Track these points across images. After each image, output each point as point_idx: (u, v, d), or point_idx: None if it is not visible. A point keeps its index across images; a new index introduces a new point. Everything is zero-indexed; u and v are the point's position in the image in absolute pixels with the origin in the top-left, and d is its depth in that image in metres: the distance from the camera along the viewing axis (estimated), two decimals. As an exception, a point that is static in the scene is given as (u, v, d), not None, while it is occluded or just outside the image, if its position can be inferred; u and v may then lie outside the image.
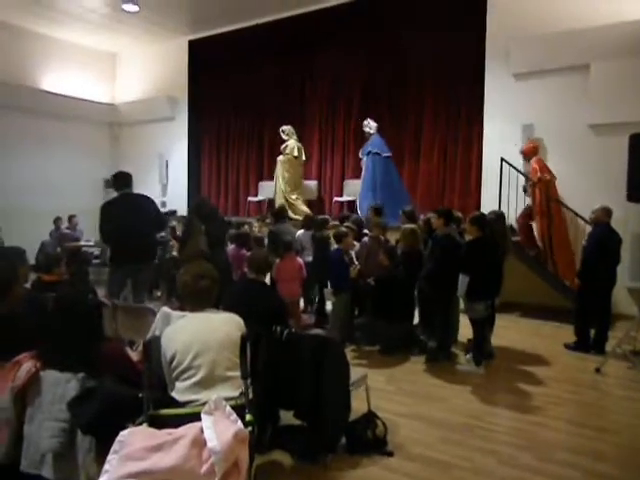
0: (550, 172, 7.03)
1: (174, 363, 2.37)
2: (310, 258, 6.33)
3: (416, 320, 5.55)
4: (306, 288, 6.17)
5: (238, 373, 2.38)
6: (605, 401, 4.31)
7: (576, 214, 6.91)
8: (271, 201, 10.10)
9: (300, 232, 6.80)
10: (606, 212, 5.40)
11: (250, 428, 2.19)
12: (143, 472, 1.92)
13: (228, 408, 2.14)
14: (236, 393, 2.32)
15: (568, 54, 7.32)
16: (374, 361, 5.06)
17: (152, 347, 2.49)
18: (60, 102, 11.52)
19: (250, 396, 2.36)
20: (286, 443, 3.22)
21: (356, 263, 5.68)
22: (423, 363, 4.98)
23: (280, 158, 9.86)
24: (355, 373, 3.42)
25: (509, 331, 6.12)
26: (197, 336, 2.41)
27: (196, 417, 2.10)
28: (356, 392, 3.36)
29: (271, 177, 10.27)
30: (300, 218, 8.38)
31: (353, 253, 5.83)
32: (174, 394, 2.35)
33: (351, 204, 9.31)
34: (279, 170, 9.81)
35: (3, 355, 2.55)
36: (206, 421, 2.06)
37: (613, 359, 4.92)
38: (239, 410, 2.20)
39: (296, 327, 4.63)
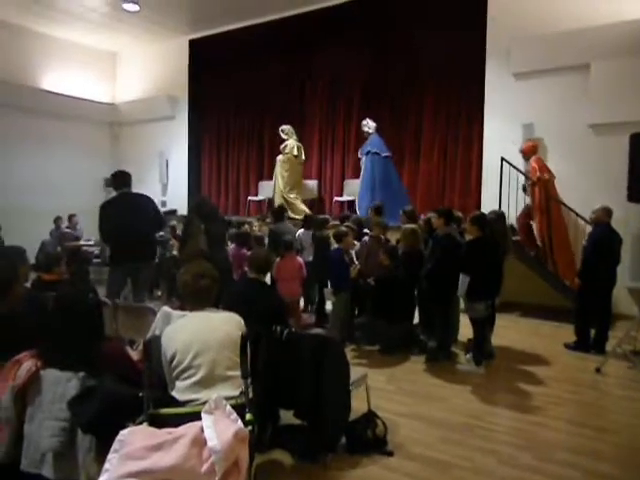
0: (549, 171, 7.02)
1: (174, 362, 2.38)
2: (310, 257, 6.34)
3: (416, 320, 5.55)
4: (306, 287, 6.17)
5: (238, 372, 2.38)
6: (605, 401, 4.31)
7: (576, 214, 6.91)
8: (271, 200, 10.11)
9: (300, 231, 6.81)
10: (606, 212, 5.40)
11: (250, 427, 2.20)
12: (143, 471, 1.93)
13: (228, 407, 2.15)
14: (236, 392, 2.33)
15: (568, 54, 7.32)
16: (374, 361, 5.06)
17: (152, 346, 2.49)
18: (60, 101, 11.52)
19: (250, 395, 2.36)
20: (286, 442, 3.22)
21: (356, 263, 5.69)
22: (423, 363, 4.98)
23: (279, 157, 9.85)
24: (355, 373, 3.42)
25: (509, 331, 6.11)
26: (197, 335, 2.42)
27: (196, 416, 2.10)
28: (356, 392, 3.36)
29: (271, 176, 10.26)
30: (299, 217, 8.39)
31: (353, 253, 5.84)
32: (174, 393, 2.35)
33: (351, 204, 9.31)
34: (278, 169, 9.81)
35: (3, 354, 2.55)
36: (206, 420, 2.06)
37: (613, 359, 4.92)
38: (239, 409, 2.20)
39: (296, 327, 4.63)
